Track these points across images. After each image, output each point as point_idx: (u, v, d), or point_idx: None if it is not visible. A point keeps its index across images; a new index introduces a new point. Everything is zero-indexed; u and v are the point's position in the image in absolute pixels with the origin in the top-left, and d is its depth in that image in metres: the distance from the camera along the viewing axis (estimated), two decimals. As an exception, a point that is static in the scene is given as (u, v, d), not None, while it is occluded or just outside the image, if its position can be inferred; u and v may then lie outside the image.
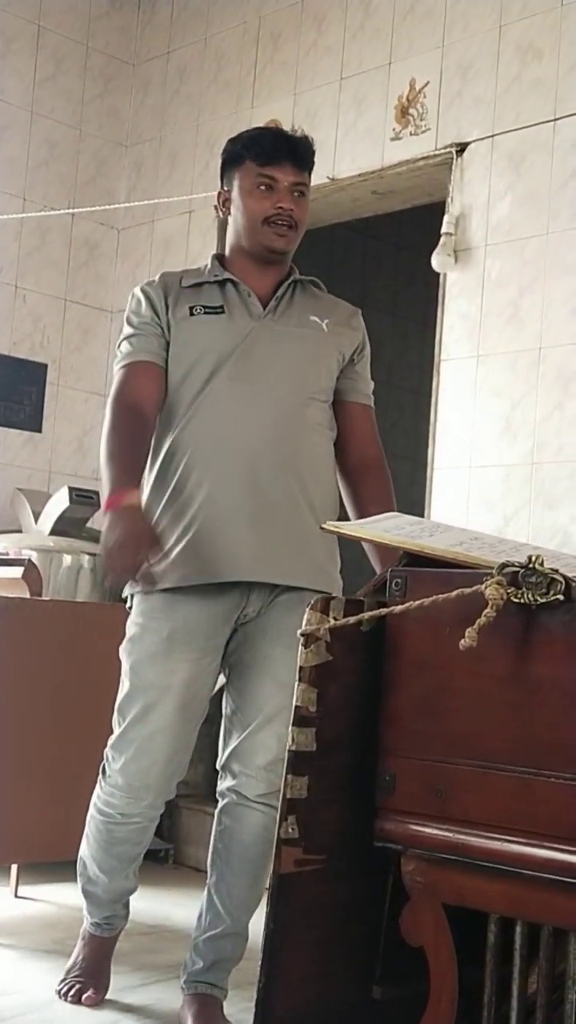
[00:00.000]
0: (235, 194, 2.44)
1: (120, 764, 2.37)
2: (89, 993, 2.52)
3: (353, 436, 2.53)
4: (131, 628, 2.41)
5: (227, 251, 2.50)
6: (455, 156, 3.83)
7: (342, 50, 4.25)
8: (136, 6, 5.08)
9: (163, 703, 2.34)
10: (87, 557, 3.74)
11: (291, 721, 1.75)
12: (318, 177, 4.23)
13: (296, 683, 1.76)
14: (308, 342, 2.44)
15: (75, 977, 2.56)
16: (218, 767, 2.47)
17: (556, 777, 1.59)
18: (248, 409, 2.36)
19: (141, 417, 2.37)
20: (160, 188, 4.85)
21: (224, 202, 2.49)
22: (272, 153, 2.39)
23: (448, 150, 3.85)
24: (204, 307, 2.41)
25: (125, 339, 2.46)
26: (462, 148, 3.83)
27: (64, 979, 2.58)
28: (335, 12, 4.29)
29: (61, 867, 3.41)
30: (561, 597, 1.61)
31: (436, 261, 3.79)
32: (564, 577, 1.62)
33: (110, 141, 5.01)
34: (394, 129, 4.04)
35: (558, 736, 1.60)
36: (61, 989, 2.55)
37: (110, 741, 2.41)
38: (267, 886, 1.86)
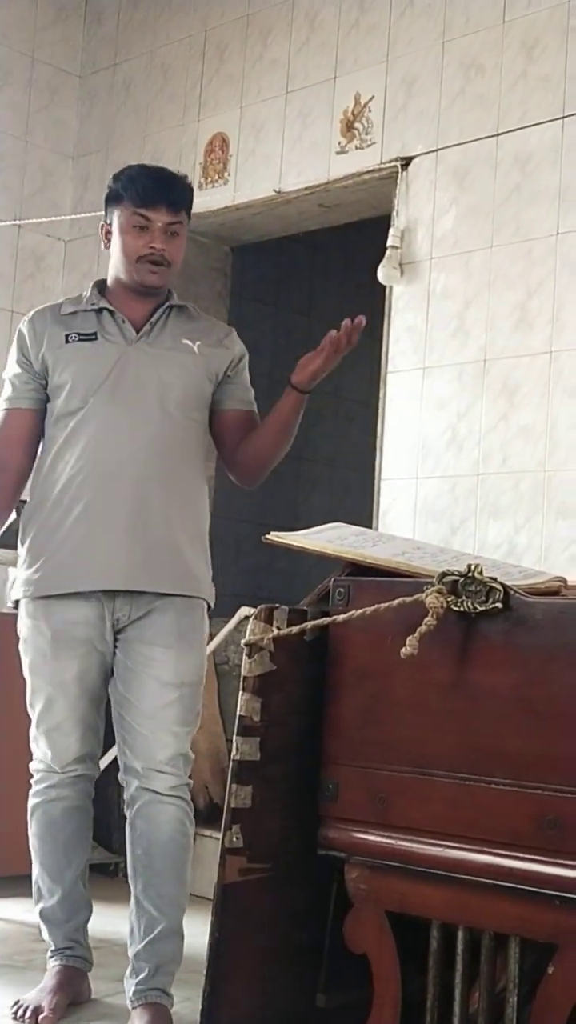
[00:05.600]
0: (114, 228, 2.57)
1: (41, 750, 2.59)
2: (46, 1014, 2.49)
3: (240, 438, 2.64)
4: (21, 630, 2.59)
5: (108, 280, 2.64)
6: (400, 170, 3.87)
7: (288, 64, 4.28)
8: (82, 18, 5.08)
9: (61, 698, 2.53)
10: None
11: (235, 731, 1.76)
12: (265, 190, 4.30)
13: (240, 693, 1.77)
14: (179, 364, 2.56)
15: (32, 999, 2.53)
16: (120, 777, 2.54)
17: (495, 784, 1.61)
18: (122, 430, 2.49)
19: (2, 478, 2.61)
20: (107, 200, 4.84)
21: (106, 234, 2.62)
22: (147, 195, 2.51)
23: (393, 164, 3.88)
24: (78, 334, 2.56)
25: (7, 378, 2.64)
26: (407, 162, 3.87)
27: (18, 1001, 2.55)
28: (280, 26, 4.32)
29: (6, 882, 3.38)
30: (500, 605, 1.63)
31: (382, 274, 3.83)
32: (503, 585, 1.64)
33: (56, 152, 5.00)
34: (340, 143, 4.07)
35: (497, 743, 1.62)
36: (16, 1011, 2.52)
37: (31, 730, 2.60)
38: (203, 892, 1.87)
